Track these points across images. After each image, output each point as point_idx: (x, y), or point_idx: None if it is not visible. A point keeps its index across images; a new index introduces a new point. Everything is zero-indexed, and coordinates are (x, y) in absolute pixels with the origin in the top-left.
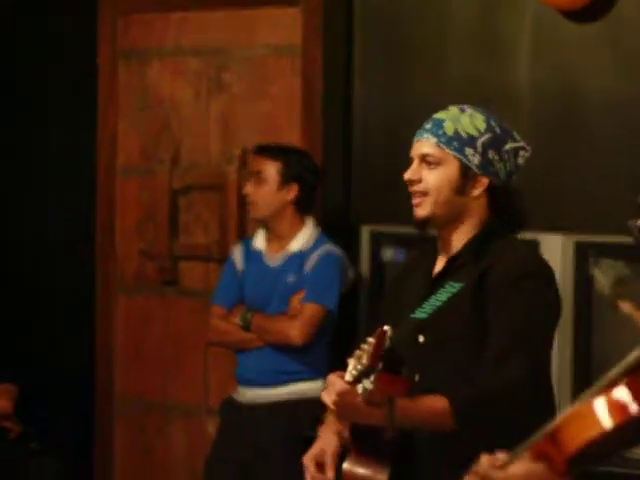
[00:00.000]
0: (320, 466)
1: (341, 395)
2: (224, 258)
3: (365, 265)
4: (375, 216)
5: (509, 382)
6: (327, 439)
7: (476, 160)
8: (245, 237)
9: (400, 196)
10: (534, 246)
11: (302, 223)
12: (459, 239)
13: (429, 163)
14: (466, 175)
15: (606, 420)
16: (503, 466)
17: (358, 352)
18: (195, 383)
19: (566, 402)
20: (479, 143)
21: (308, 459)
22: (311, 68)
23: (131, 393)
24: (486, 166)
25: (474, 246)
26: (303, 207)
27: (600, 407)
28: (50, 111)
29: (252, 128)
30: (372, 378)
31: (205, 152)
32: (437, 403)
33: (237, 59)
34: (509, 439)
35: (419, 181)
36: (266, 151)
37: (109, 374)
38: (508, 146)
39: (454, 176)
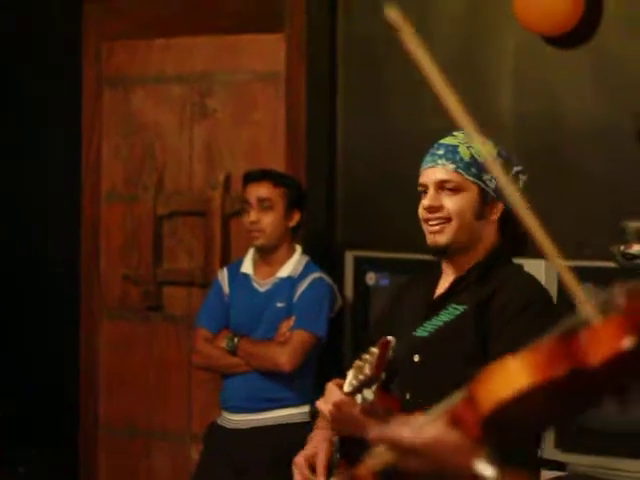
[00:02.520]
0: (311, 468)
1: (338, 405)
2: (208, 283)
3: (349, 290)
4: (359, 241)
5: None
6: (319, 444)
7: (493, 185)
8: (230, 262)
9: (384, 221)
10: (534, 273)
11: (293, 249)
12: (467, 262)
13: (449, 189)
14: (485, 201)
15: (523, 378)
16: (414, 429)
17: (358, 362)
18: (179, 408)
19: None
20: None
21: (301, 458)
22: (295, 94)
23: (115, 418)
24: (500, 191)
25: (480, 270)
26: (297, 233)
27: (518, 365)
28: (35, 136)
29: (236, 154)
30: (374, 388)
31: (189, 178)
32: None
33: (221, 85)
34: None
35: (440, 208)
36: (271, 178)
37: (93, 399)
38: (514, 170)
39: (475, 202)
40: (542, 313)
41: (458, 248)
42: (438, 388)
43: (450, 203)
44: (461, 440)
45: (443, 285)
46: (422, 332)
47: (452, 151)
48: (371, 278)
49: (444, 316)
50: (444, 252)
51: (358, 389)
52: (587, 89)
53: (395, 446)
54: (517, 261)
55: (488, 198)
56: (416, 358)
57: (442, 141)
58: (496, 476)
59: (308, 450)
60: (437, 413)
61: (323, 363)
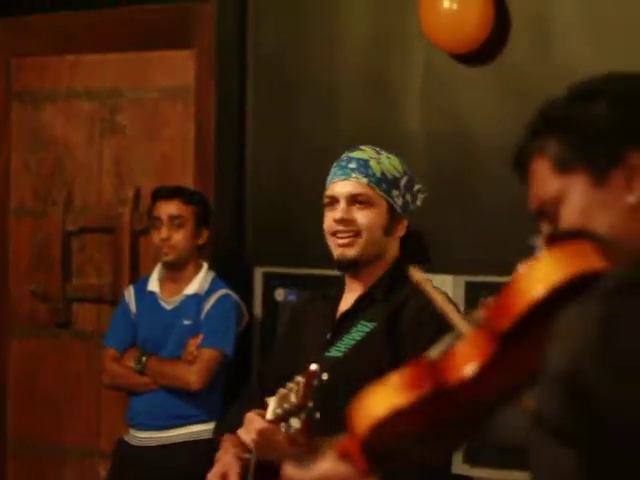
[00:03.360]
0: None
1: (262, 433)
2: (117, 300)
3: (258, 306)
4: (268, 257)
5: None
6: (229, 461)
7: (400, 202)
8: (138, 279)
9: (294, 237)
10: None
11: (200, 266)
12: (371, 277)
13: (360, 203)
14: (393, 216)
15: (391, 399)
16: (308, 467)
17: (283, 391)
18: (88, 425)
19: None
20: (401, 185)
21: (213, 476)
22: (204, 110)
23: (25, 435)
24: (406, 207)
25: (386, 285)
26: (204, 251)
27: (388, 387)
28: None
29: (145, 170)
30: (302, 417)
31: (98, 194)
32: None
33: (130, 101)
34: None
35: (351, 221)
36: (182, 195)
37: (2, 416)
38: (416, 188)
39: (384, 217)
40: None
41: (365, 262)
42: (342, 408)
43: (361, 217)
44: (350, 472)
45: (347, 302)
46: (336, 352)
47: (364, 165)
48: (280, 294)
49: (356, 334)
50: (352, 266)
51: (283, 417)
52: (495, 107)
53: None
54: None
55: (396, 214)
56: (324, 376)
57: (352, 154)
58: None
59: (218, 468)
60: (328, 447)
61: (231, 379)
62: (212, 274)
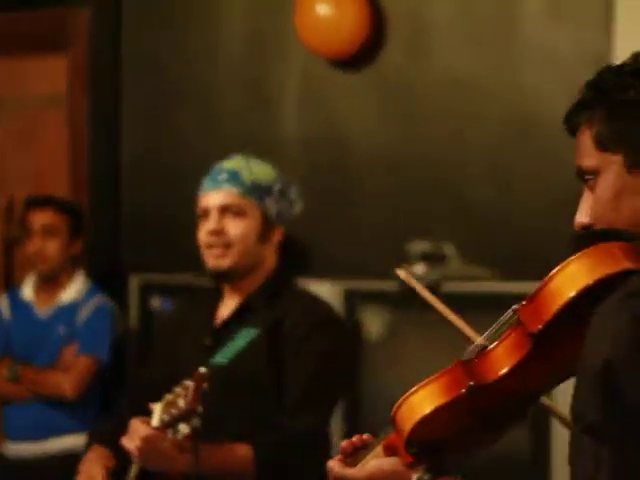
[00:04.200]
0: None
1: (146, 440)
2: None
3: (134, 314)
4: (144, 265)
5: (307, 430)
6: (94, 472)
7: (274, 209)
8: (11, 287)
9: (169, 244)
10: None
11: (75, 275)
12: (250, 285)
13: (233, 213)
14: (267, 224)
15: (429, 400)
16: (357, 463)
17: (169, 396)
18: None
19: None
20: (275, 192)
21: None
22: (77, 117)
23: None
24: (281, 214)
25: (267, 293)
26: (78, 259)
27: (424, 390)
28: None
29: (19, 178)
30: (192, 422)
31: None
32: (240, 450)
33: (3, 109)
34: None
35: (224, 232)
36: (55, 204)
37: None
38: (292, 194)
39: (258, 226)
40: (330, 335)
41: (241, 272)
42: (229, 415)
43: (234, 227)
44: (398, 465)
45: (227, 309)
46: (221, 358)
47: (234, 175)
48: (155, 302)
49: (240, 340)
50: (226, 277)
51: (170, 423)
52: (371, 112)
53: None
54: (303, 282)
55: (271, 221)
56: (205, 385)
57: (222, 165)
58: None
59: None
60: (376, 444)
61: (107, 388)
62: (88, 282)
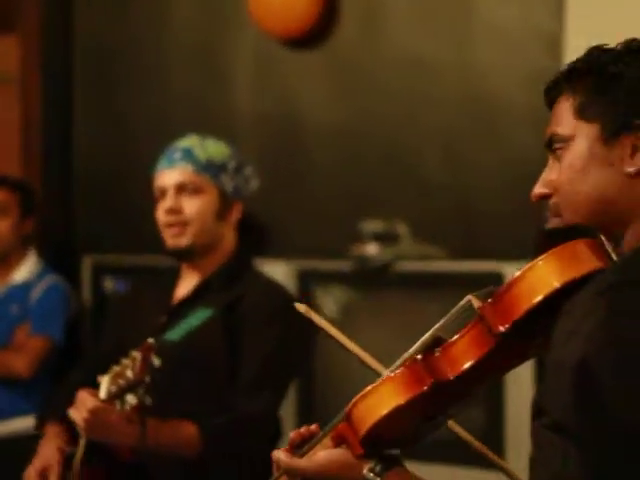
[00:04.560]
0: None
1: (94, 412)
2: None
3: (87, 295)
4: (97, 246)
5: (259, 413)
6: (49, 454)
7: (230, 186)
8: None
9: (123, 224)
10: (273, 274)
11: (27, 254)
12: (209, 265)
13: (189, 191)
14: (225, 201)
15: (390, 399)
16: (305, 454)
17: (117, 368)
18: None
19: (289, 424)
20: (230, 169)
21: (31, 472)
22: (30, 96)
23: None
24: (238, 191)
25: (226, 273)
26: (30, 238)
27: (385, 387)
28: None
29: None
30: (139, 392)
31: None
32: (187, 428)
33: None
34: (251, 469)
35: (181, 210)
36: (7, 183)
37: None
38: (247, 171)
39: (215, 203)
40: (288, 319)
41: (200, 250)
42: (179, 392)
43: (190, 205)
44: (348, 456)
45: (184, 289)
46: (173, 335)
47: (188, 153)
48: (109, 284)
49: (194, 319)
50: (185, 255)
51: (117, 395)
52: (325, 90)
53: (291, 473)
54: (258, 261)
55: (228, 199)
56: (156, 362)
57: (177, 144)
58: None
59: (37, 464)
60: (322, 435)
61: (61, 370)
62: (40, 263)
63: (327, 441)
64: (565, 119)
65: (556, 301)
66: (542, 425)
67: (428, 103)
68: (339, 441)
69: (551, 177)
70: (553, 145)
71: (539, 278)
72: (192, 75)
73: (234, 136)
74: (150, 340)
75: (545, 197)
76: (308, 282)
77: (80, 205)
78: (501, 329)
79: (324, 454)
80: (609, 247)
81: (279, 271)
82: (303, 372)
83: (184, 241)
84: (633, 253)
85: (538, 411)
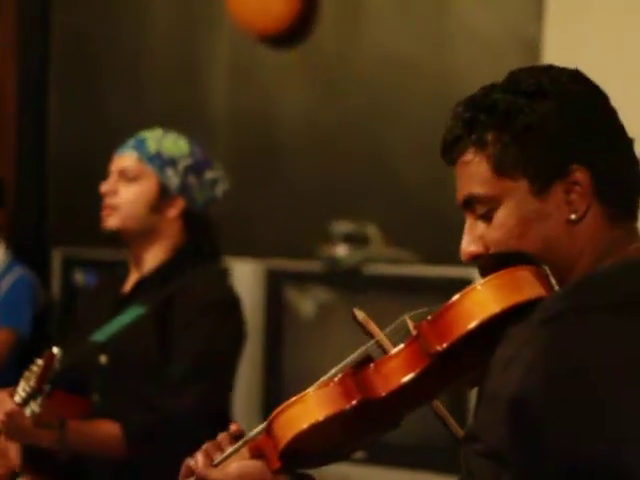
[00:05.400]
0: None
1: (9, 415)
2: None
3: (56, 288)
4: (68, 239)
5: (187, 410)
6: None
7: (175, 181)
8: None
9: (93, 218)
10: (223, 274)
11: None
12: (151, 261)
13: (127, 177)
14: (164, 194)
15: (315, 412)
16: (220, 464)
17: (27, 373)
18: None
19: (256, 425)
20: (180, 166)
21: None
22: (5, 86)
23: None
24: (185, 189)
25: (163, 270)
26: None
27: (311, 399)
28: None
29: None
30: (39, 401)
31: None
32: (110, 428)
33: None
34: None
35: (114, 193)
36: None
37: None
38: (208, 175)
39: (151, 193)
40: (222, 314)
41: (130, 237)
42: (124, 391)
43: (124, 190)
44: (263, 470)
45: (129, 285)
46: (100, 336)
47: (140, 142)
48: (79, 276)
49: (124, 318)
50: (113, 238)
51: (26, 400)
52: (300, 89)
53: None
54: (227, 259)
55: (167, 193)
56: (103, 360)
57: (138, 134)
58: None
59: None
60: (240, 445)
61: (28, 363)
62: (9, 255)
63: (244, 452)
64: (481, 178)
65: (494, 327)
66: (475, 452)
67: (405, 103)
68: (256, 453)
69: (479, 234)
70: (472, 206)
71: (480, 301)
72: (168, 70)
73: (208, 132)
74: (54, 350)
75: (479, 256)
76: (276, 282)
77: (53, 197)
78: (438, 349)
79: (237, 465)
80: (553, 280)
81: (247, 270)
82: (237, 368)
83: (111, 223)
84: (579, 280)
85: (471, 436)
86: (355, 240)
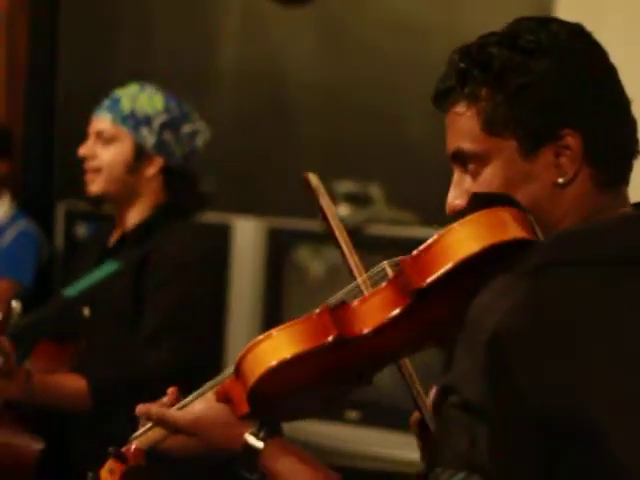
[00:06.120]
0: None
1: None
2: None
3: (59, 241)
4: (73, 192)
5: (155, 365)
6: None
7: (151, 140)
8: None
9: None
10: (200, 231)
11: (0, 196)
12: (133, 218)
13: (104, 140)
14: (140, 154)
15: (287, 348)
16: (183, 406)
17: None
18: None
19: None
20: (155, 123)
21: None
22: (15, 40)
23: None
24: (161, 146)
25: (142, 227)
26: (4, 180)
27: (283, 335)
28: None
29: None
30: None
31: None
32: (76, 382)
33: None
34: None
35: (93, 157)
36: None
37: None
38: (185, 129)
39: (127, 154)
40: (196, 272)
41: (113, 200)
42: (103, 345)
43: (102, 153)
44: (229, 415)
45: (112, 241)
46: (72, 290)
47: (115, 102)
48: (80, 229)
49: (97, 273)
50: (97, 202)
51: None
52: (309, 48)
53: (163, 424)
54: (226, 219)
55: (144, 153)
56: (86, 312)
57: (114, 92)
58: (264, 448)
59: None
60: (207, 389)
61: None
62: (14, 206)
63: (210, 395)
64: (471, 133)
65: (476, 274)
66: (450, 404)
67: (414, 66)
68: (223, 398)
69: (466, 188)
70: (461, 159)
71: (463, 238)
72: (176, 24)
73: (215, 88)
74: (13, 303)
75: (463, 211)
76: (280, 240)
77: (60, 151)
78: (420, 285)
79: (201, 406)
80: (538, 230)
81: (250, 228)
82: (215, 326)
83: (94, 188)
84: (560, 234)
85: (446, 389)
86: (357, 200)
